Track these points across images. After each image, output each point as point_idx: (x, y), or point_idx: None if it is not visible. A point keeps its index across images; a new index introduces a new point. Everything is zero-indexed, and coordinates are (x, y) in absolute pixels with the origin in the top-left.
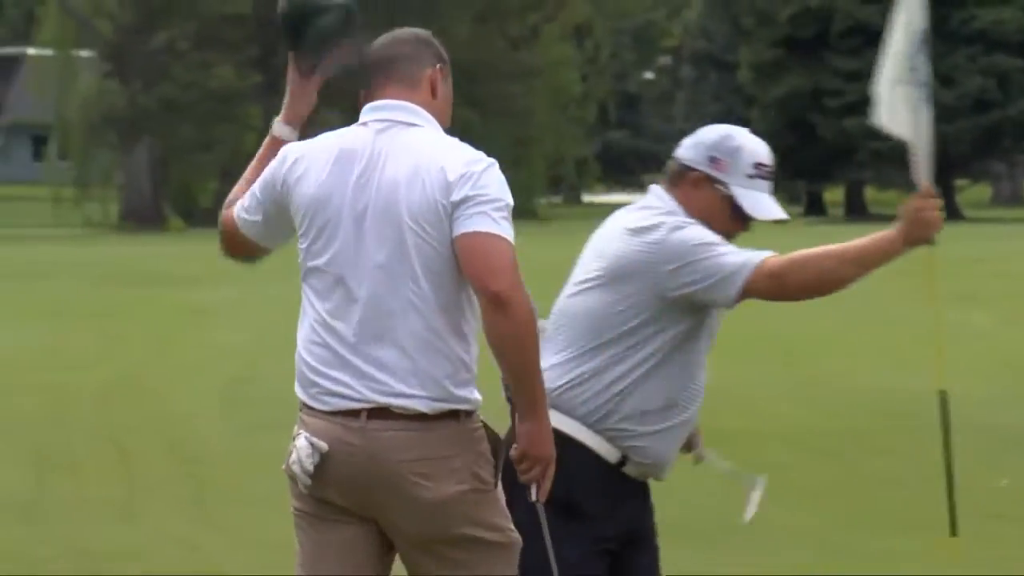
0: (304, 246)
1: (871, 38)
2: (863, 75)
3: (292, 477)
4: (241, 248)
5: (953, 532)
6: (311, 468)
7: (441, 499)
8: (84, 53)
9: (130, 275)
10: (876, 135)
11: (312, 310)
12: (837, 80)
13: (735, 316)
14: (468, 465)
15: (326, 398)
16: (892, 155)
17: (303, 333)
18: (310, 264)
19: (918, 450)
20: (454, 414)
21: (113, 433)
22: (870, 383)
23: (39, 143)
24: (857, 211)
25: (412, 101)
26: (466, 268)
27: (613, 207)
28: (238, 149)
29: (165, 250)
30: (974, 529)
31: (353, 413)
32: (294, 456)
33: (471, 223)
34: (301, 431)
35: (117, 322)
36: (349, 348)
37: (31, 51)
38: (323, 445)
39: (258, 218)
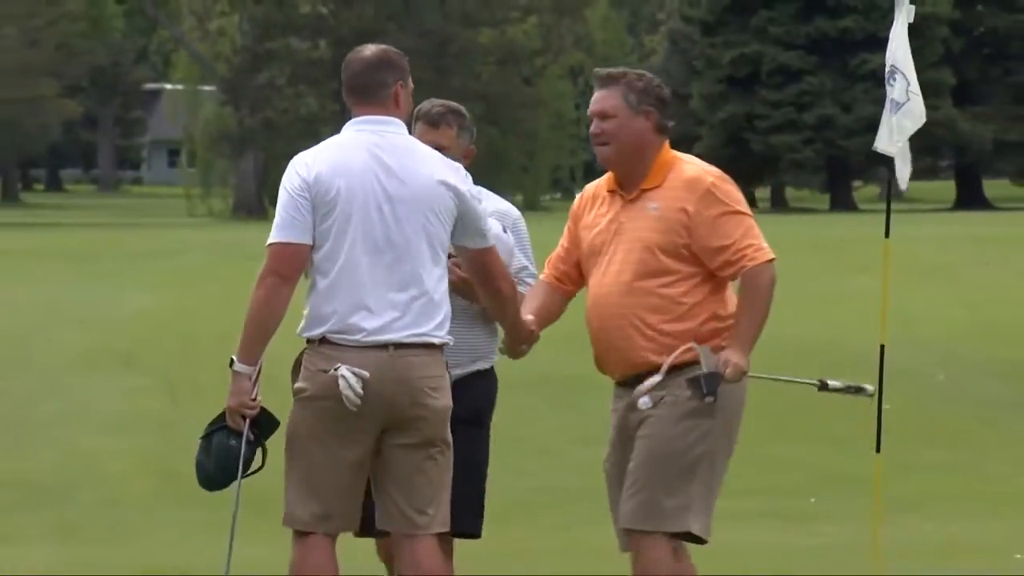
0: (327, 226)
1: (791, 76)
2: (784, 104)
3: (312, 400)
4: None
5: (878, 449)
6: (361, 391)
7: (443, 407)
8: (206, 88)
9: (240, 252)
10: (795, 148)
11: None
12: (766, 107)
13: None
14: (448, 384)
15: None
16: (806, 163)
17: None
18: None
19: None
20: (444, 346)
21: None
22: (790, 333)
23: (173, 155)
24: (779, 205)
25: (386, 115)
26: (489, 269)
27: None
28: None
29: (265, 234)
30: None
31: (383, 346)
32: (343, 384)
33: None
34: (341, 363)
35: (231, 286)
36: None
37: (168, 86)
38: (364, 373)
39: (306, 234)
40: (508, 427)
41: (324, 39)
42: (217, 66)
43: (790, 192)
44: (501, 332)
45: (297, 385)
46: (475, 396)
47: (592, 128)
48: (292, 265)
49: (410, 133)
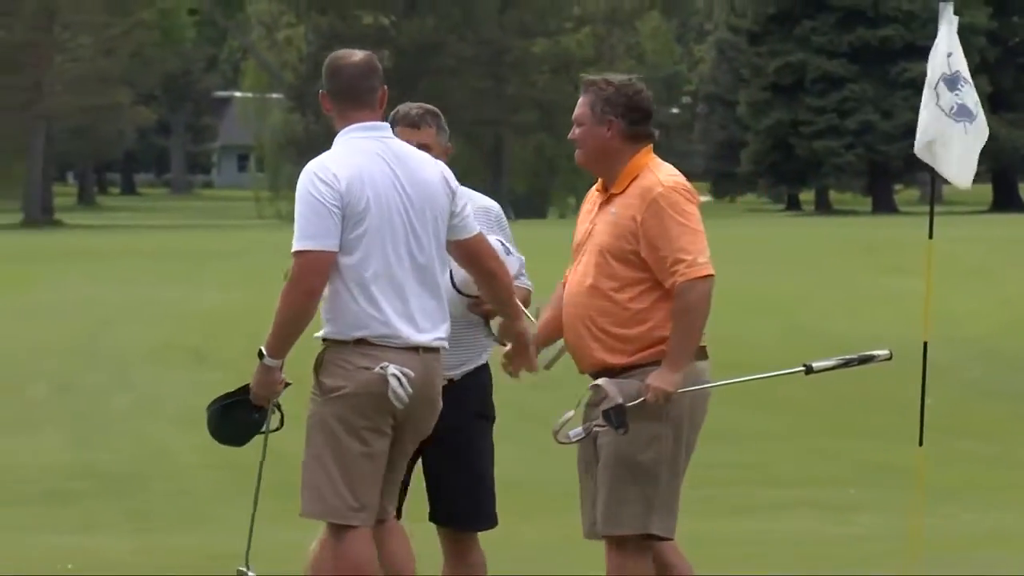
0: (357, 234)
1: (834, 84)
2: (827, 110)
3: (352, 396)
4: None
5: (921, 442)
6: (411, 390)
7: (439, 410)
8: (274, 95)
9: None
10: (837, 153)
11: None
12: (810, 114)
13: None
14: None
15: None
16: (848, 168)
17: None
18: (367, 246)
19: (878, 380)
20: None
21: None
22: (835, 329)
23: (243, 159)
24: (823, 207)
25: (377, 120)
26: (482, 254)
27: None
28: None
29: None
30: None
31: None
32: (394, 382)
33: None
34: (388, 363)
35: None
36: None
37: (238, 94)
38: (410, 372)
39: (337, 242)
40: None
41: (386, 49)
42: (284, 74)
43: (833, 195)
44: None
45: (331, 382)
46: (483, 390)
47: (571, 133)
48: (325, 272)
49: None
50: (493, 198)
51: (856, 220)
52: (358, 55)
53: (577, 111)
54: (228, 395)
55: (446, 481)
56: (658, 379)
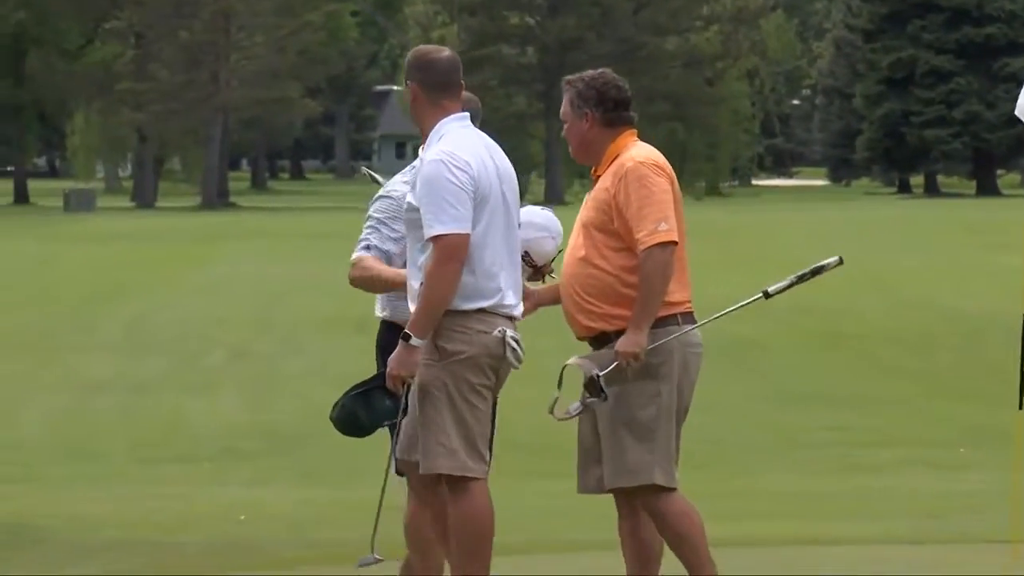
0: (479, 215)
1: (942, 77)
2: (935, 102)
3: (473, 359)
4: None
5: (1020, 406)
6: (523, 352)
7: None
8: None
9: None
10: (945, 141)
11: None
12: (919, 105)
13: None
14: None
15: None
16: (955, 154)
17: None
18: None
19: (977, 347)
20: None
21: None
22: (942, 302)
23: (401, 147)
24: (932, 191)
25: (461, 110)
26: None
27: (772, 188)
28: (526, 151)
29: None
30: None
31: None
32: (513, 343)
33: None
34: (503, 327)
35: None
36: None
37: (396, 87)
38: (519, 336)
39: (471, 222)
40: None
41: (531, 46)
42: None
43: (941, 179)
44: None
45: (452, 347)
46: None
47: (562, 131)
48: (466, 252)
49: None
50: None
51: (962, 202)
52: (446, 51)
53: (562, 110)
54: (363, 383)
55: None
56: (624, 343)
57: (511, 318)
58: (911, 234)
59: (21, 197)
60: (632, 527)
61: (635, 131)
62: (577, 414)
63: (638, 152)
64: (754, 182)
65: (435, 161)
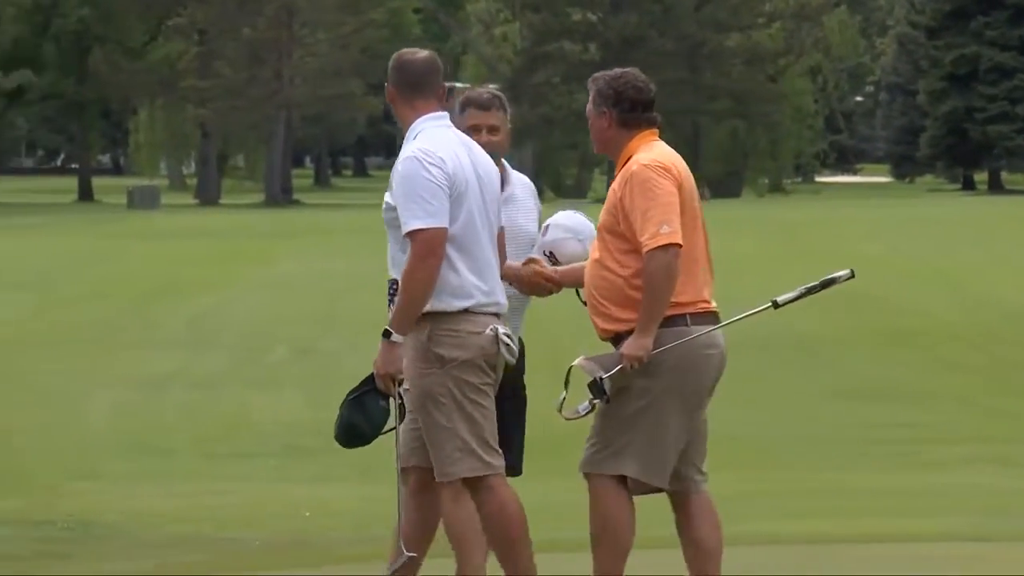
0: (456, 211)
1: (1005, 74)
2: (999, 98)
3: (468, 362)
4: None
5: None
6: (516, 347)
7: None
8: (491, 86)
9: None
10: (1008, 137)
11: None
12: (983, 101)
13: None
14: None
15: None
16: (1018, 151)
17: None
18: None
19: None
20: None
21: None
22: (1006, 298)
23: None
24: (996, 188)
25: (441, 110)
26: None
27: (835, 185)
28: (589, 150)
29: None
30: None
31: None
32: (506, 340)
33: None
34: (493, 325)
35: None
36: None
37: (458, 84)
38: (511, 332)
39: (447, 218)
40: (760, 380)
41: (593, 43)
42: (500, 67)
43: (1005, 176)
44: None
45: (448, 353)
46: (521, 359)
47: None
48: (444, 247)
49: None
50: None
51: None
52: (422, 53)
53: (587, 106)
54: (354, 389)
55: (511, 433)
56: (629, 346)
57: (497, 315)
58: (975, 231)
59: (85, 194)
60: (684, 526)
61: (655, 132)
62: (585, 414)
63: (645, 154)
64: (817, 179)
65: (409, 159)
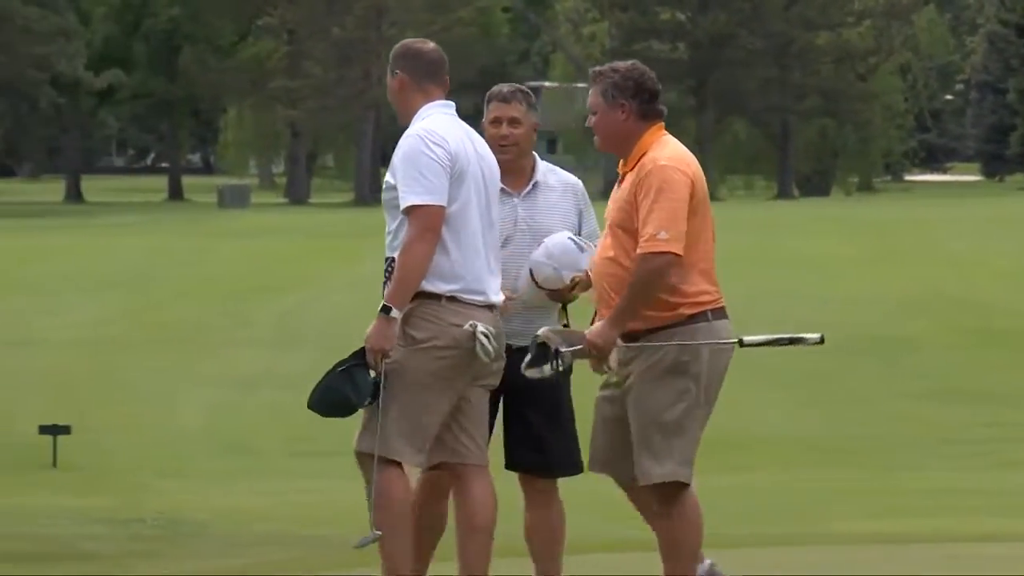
0: (456, 192)
1: None
2: None
3: (440, 349)
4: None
5: None
6: (495, 345)
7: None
8: (580, 84)
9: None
10: None
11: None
12: None
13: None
14: None
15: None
16: None
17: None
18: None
19: None
20: None
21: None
22: None
23: (552, 143)
24: None
25: (448, 99)
26: None
27: (925, 184)
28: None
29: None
30: None
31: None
32: (483, 339)
33: None
34: (476, 321)
35: None
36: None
37: (547, 83)
38: (493, 330)
39: (446, 196)
40: (841, 381)
41: (682, 42)
42: (588, 66)
43: None
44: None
45: (421, 334)
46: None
47: (587, 121)
48: (441, 224)
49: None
50: (780, 179)
51: None
52: (431, 44)
53: (590, 101)
54: (343, 362)
55: (539, 432)
56: (594, 333)
57: (489, 307)
58: None
59: (176, 193)
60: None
61: (663, 125)
62: (540, 378)
63: (661, 152)
64: (906, 177)
65: (412, 136)
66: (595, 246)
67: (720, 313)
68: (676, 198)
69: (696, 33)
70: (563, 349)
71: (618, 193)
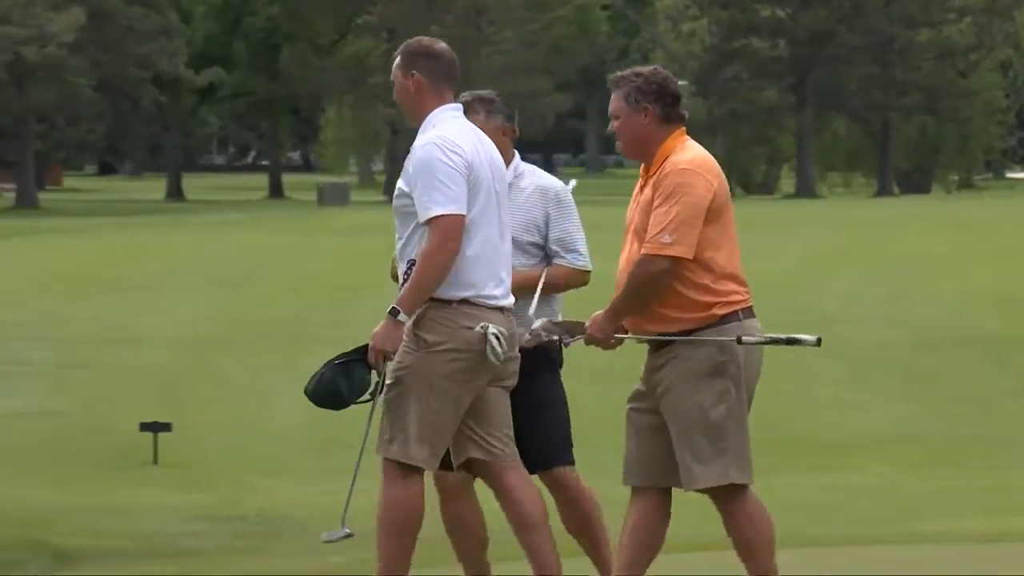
0: (472, 199)
1: None
2: None
3: (452, 352)
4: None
5: None
6: (506, 348)
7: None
8: (680, 82)
9: None
10: None
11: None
12: None
13: None
14: None
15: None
16: None
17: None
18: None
19: None
20: None
21: None
22: None
23: None
24: None
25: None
26: None
27: None
28: (778, 147)
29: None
30: None
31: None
32: (493, 341)
33: None
34: (487, 323)
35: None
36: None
37: None
38: (505, 331)
39: (466, 204)
40: (943, 381)
41: (782, 39)
42: (688, 63)
43: None
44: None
45: (433, 338)
46: (546, 348)
47: (609, 127)
48: (462, 233)
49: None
50: (880, 176)
51: None
52: (444, 44)
53: (612, 106)
54: (344, 355)
55: (528, 428)
56: (594, 327)
57: (501, 309)
58: None
59: (276, 191)
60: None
61: (685, 129)
62: (526, 343)
63: (683, 155)
64: (1008, 175)
65: (428, 145)
66: (561, 251)
67: (749, 312)
68: (690, 202)
69: (796, 30)
70: (570, 340)
71: (641, 198)
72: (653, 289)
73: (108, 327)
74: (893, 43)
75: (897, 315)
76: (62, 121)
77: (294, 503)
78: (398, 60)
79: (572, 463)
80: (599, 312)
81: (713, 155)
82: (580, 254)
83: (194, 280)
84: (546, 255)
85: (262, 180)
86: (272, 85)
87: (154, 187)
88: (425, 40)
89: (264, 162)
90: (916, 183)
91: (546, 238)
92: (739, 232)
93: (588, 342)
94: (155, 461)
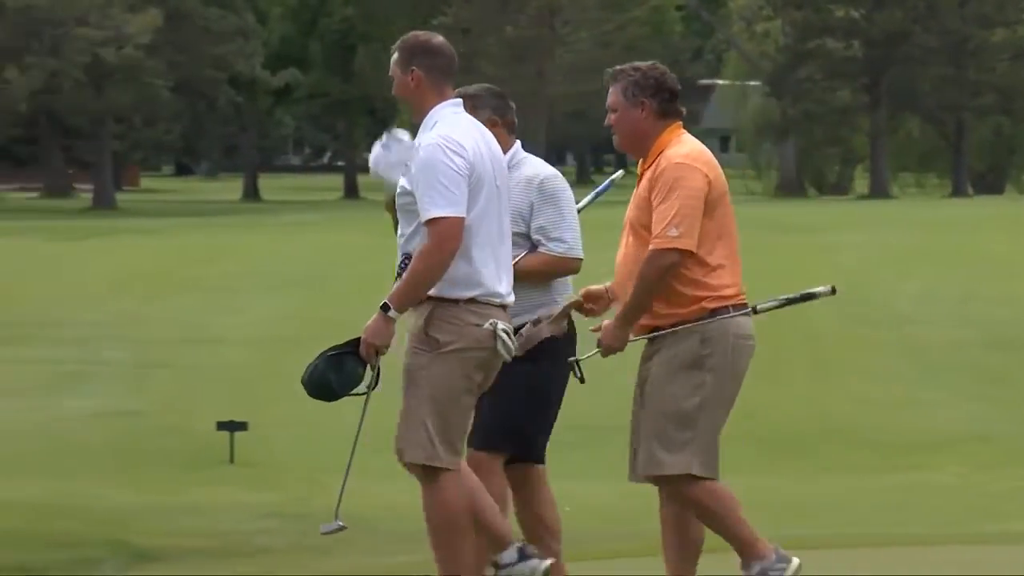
0: (474, 200)
1: None
2: None
3: (463, 351)
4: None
5: None
6: (514, 344)
7: None
8: (753, 83)
9: (781, 225)
10: None
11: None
12: None
13: None
14: None
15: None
16: None
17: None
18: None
19: None
20: None
21: None
22: None
23: (724, 141)
24: None
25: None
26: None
27: None
28: (851, 147)
29: (803, 210)
30: None
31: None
32: (504, 336)
33: None
34: (495, 319)
35: (761, 259)
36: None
37: (720, 82)
38: (510, 328)
39: (466, 205)
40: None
41: (856, 39)
42: (762, 64)
43: None
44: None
45: (444, 338)
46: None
47: (606, 120)
48: (462, 236)
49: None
50: (954, 177)
51: None
52: (440, 38)
53: (610, 99)
54: (337, 347)
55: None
56: (607, 336)
57: (503, 307)
58: None
59: (351, 191)
60: (674, 517)
61: (681, 124)
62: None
63: (679, 150)
64: None
65: (431, 145)
66: (543, 239)
67: (741, 308)
68: (690, 195)
69: (871, 31)
70: (579, 360)
71: (636, 192)
72: (660, 283)
73: (185, 327)
74: (968, 43)
75: (970, 315)
76: (139, 122)
77: (362, 502)
78: (396, 56)
79: (489, 449)
80: (608, 321)
81: (786, 155)
82: (562, 241)
83: (270, 280)
84: (533, 245)
85: (337, 181)
86: (347, 86)
87: (230, 188)
88: (423, 35)
89: (339, 163)
90: (990, 184)
91: (527, 226)
92: (815, 232)
93: (605, 354)
94: (231, 460)
